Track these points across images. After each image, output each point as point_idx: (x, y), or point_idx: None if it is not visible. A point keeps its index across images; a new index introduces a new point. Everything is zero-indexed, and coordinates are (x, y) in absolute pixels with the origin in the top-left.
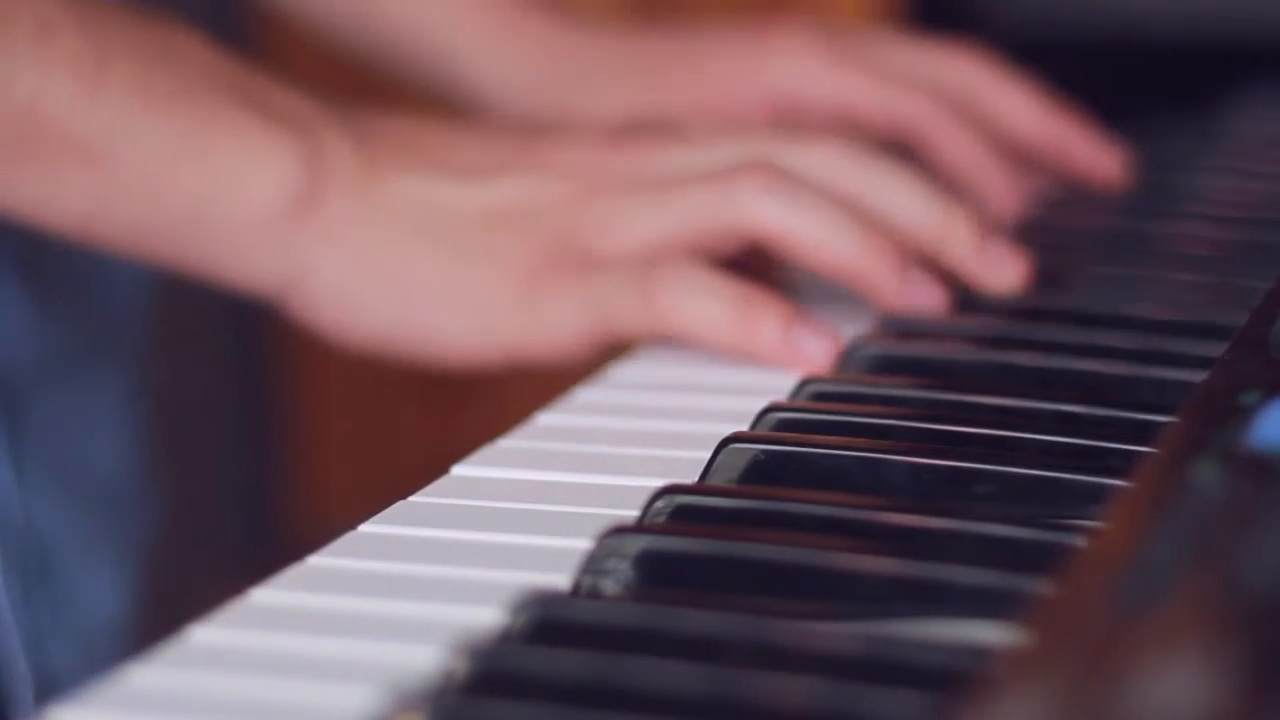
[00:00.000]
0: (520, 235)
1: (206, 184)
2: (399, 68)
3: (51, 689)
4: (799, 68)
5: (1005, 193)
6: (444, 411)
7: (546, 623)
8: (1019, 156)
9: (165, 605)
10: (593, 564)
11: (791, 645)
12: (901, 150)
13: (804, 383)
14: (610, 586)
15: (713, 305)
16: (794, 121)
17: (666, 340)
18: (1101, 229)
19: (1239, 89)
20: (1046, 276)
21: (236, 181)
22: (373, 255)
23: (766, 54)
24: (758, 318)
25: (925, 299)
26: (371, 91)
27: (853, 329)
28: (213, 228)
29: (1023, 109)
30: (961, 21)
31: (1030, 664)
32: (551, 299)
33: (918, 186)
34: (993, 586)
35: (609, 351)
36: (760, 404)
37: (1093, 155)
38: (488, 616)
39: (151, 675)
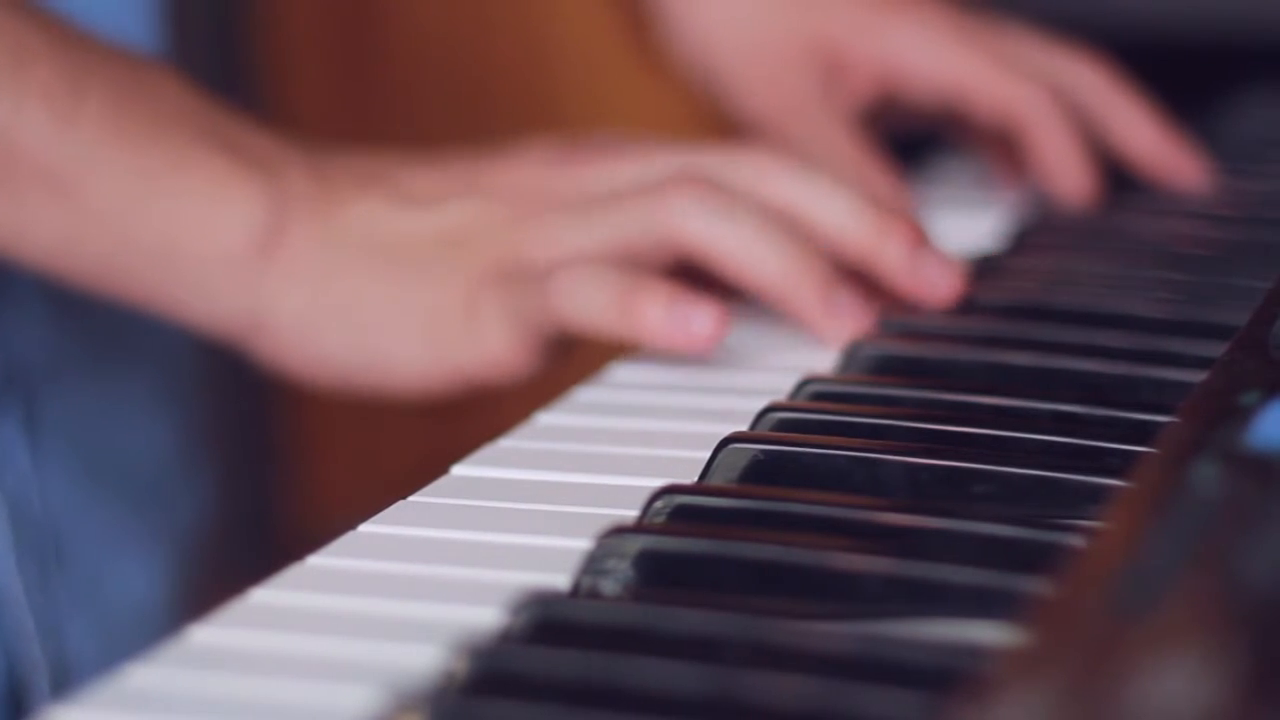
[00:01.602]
0: (464, 255)
1: (174, 222)
2: None
3: (69, 676)
4: (916, 39)
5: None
6: (444, 411)
7: (546, 623)
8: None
9: (204, 592)
10: (592, 564)
11: (790, 645)
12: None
13: (803, 383)
14: (610, 586)
15: (599, 293)
16: (899, 94)
17: (573, 331)
18: (1101, 229)
19: (1239, 89)
20: (1046, 276)
21: (203, 220)
22: (330, 288)
23: (890, 20)
24: (642, 300)
25: (850, 324)
26: (371, 118)
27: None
28: (179, 266)
29: (1138, 129)
30: None
31: (1029, 664)
32: (486, 314)
33: (850, 196)
34: (991, 586)
35: (583, 364)
36: (760, 404)
37: (1190, 179)
38: (488, 616)
39: (151, 675)
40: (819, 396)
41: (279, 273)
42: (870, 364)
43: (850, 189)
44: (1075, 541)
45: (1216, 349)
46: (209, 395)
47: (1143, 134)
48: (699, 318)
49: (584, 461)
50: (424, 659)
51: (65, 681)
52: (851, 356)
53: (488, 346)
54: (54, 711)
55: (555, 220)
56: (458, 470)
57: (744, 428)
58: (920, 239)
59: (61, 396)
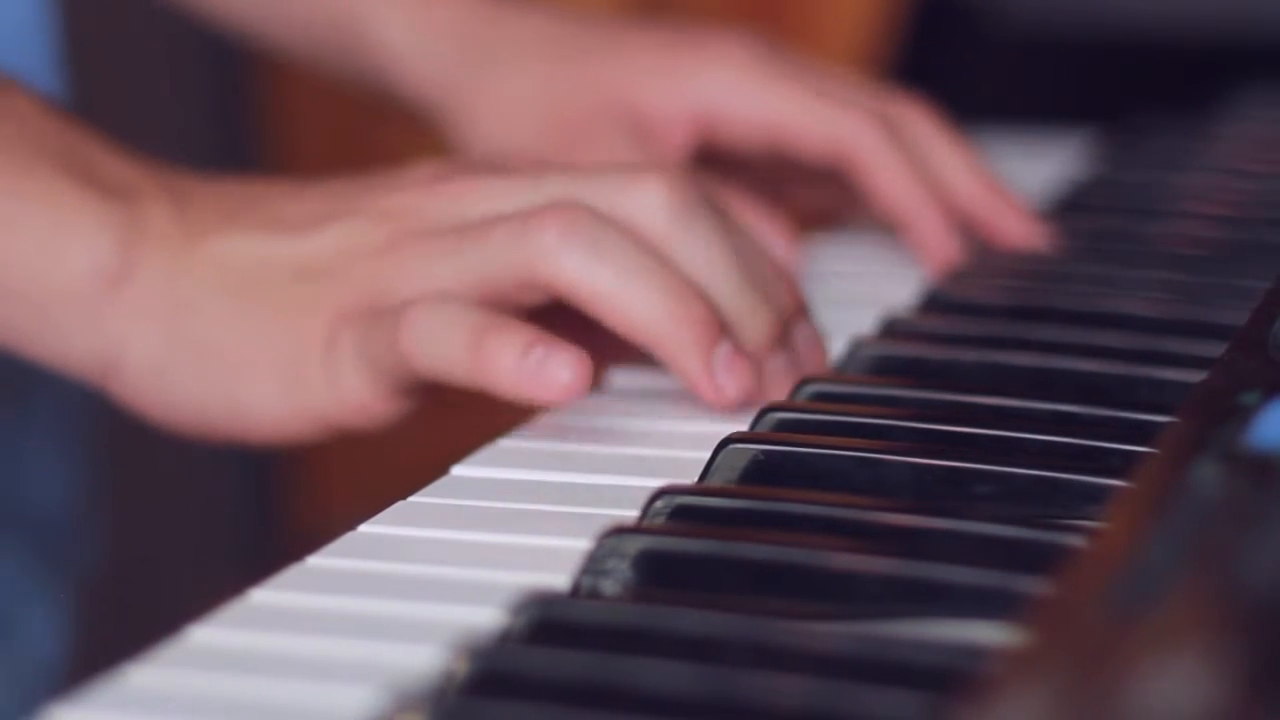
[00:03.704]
0: (327, 289)
1: (14, 253)
2: (315, 47)
3: None
4: (728, 80)
5: (942, 238)
6: (444, 411)
7: (546, 623)
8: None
9: (162, 617)
10: (592, 564)
11: (790, 645)
12: (834, 178)
13: (803, 383)
14: (610, 587)
15: (449, 339)
16: (717, 140)
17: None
18: (1101, 229)
19: (1238, 89)
20: (1046, 277)
21: (45, 252)
22: (183, 326)
23: (695, 63)
24: (496, 346)
25: (730, 384)
26: (373, 139)
27: (852, 329)
28: (21, 300)
29: (961, 171)
30: (962, 21)
31: (1029, 664)
32: (342, 357)
33: (731, 258)
34: (992, 587)
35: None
36: (759, 404)
37: (1021, 234)
38: (487, 617)
39: (151, 675)
40: (818, 397)
41: (128, 310)
42: (870, 364)
43: (737, 248)
44: (1076, 541)
45: (1216, 349)
46: (116, 435)
47: (969, 182)
48: (555, 366)
49: (584, 461)
50: (424, 659)
51: None
52: (851, 357)
53: (345, 392)
54: (54, 711)
55: (421, 252)
56: (458, 470)
57: (744, 428)
58: (783, 327)
59: None
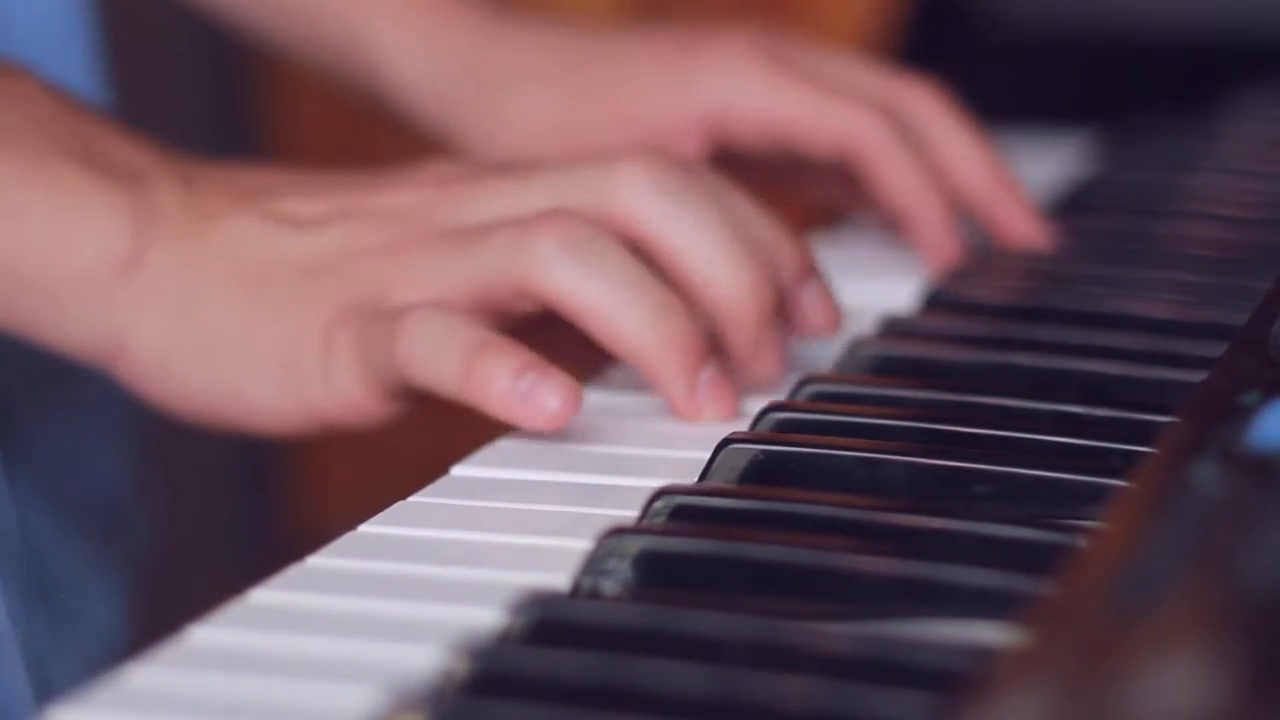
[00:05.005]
0: (327, 287)
1: (24, 239)
2: (321, 60)
3: None
4: (734, 82)
5: (941, 237)
6: (444, 412)
7: (546, 623)
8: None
9: (164, 617)
10: (592, 564)
11: (791, 645)
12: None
13: (803, 382)
14: (610, 587)
15: (444, 354)
16: (729, 141)
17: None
18: (1102, 229)
19: (1239, 89)
20: (1046, 276)
21: (56, 240)
22: (190, 316)
23: (699, 66)
24: (489, 367)
25: (710, 408)
26: (372, 143)
27: (852, 329)
28: (31, 285)
29: (968, 159)
30: (962, 20)
31: (1030, 664)
32: (339, 356)
33: (726, 227)
34: (993, 587)
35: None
36: (760, 404)
37: (1022, 225)
38: (487, 617)
39: (151, 675)
40: (819, 397)
41: (137, 296)
42: (870, 364)
43: (725, 226)
44: (1077, 541)
45: (1216, 349)
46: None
47: (976, 171)
48: (545, 392)
49: (584, 461)
50: (424, 659)
51: None
52: (851, 357)
53: (341, 390)
54: (54, 712)
55: (421, 255)
56: (458, 470)
57: (744, 428)
58: (772, 311)
59: (33, 420)
